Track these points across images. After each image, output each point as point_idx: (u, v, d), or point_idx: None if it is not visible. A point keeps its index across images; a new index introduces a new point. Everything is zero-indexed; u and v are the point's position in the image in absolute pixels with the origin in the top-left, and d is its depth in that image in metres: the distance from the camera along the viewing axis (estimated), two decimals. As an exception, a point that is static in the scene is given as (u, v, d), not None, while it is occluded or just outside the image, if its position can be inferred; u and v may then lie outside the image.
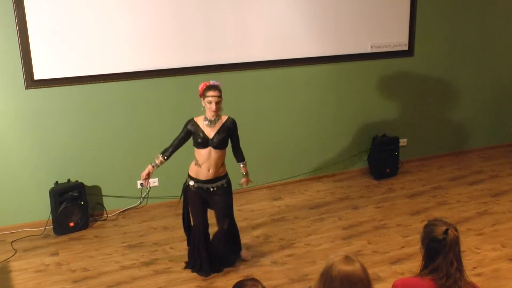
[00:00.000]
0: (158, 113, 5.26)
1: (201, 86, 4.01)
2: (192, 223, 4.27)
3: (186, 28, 5.14)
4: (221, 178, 4.11)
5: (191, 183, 4.11)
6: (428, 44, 6.19)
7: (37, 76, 4.76)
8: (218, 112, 3.98)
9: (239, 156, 4.23)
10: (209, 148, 4.01)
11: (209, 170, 4.04)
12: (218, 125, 4.02)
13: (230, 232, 4.25)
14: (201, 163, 4.04)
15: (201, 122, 4.04)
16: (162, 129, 5.31)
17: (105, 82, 5.00)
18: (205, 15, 5.17)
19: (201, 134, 4.00)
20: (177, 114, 5.31)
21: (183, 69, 5.21)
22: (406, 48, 6.10)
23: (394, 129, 6.26)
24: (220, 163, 4.09)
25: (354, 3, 5.72)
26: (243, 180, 4.29)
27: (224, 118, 4.07)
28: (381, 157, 6.00)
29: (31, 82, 4.76)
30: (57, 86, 4.85)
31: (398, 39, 6.04)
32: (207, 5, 5.15)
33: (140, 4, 4.95)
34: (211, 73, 5.13)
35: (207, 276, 4.17)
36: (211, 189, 4.09)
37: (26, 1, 4.58)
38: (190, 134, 4.07)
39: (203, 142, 4.00)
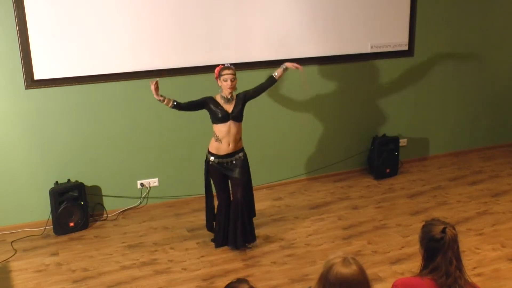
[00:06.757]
0: (158, 113, 5.26)
1: (217, 69, 4.33)
2: (216, 197, 4.56)
3: (186, 28, 5.14)
4: (239, 151, 4.41)
5: (212, 158, 4.39)
6: (428, 44, 6.19)
7: (37, 76, 4.76)
8: (233, 90, 4.29)
9: (267, 80, 4.51)
10: (229, 122, 4.30)
11: (229, 145, 4.33)
12: (233, 102, 4.35)
13: (246, 201, 4.47)
14: (222, 138, 4.31)
15: (219, 99, 4.33)
16: (162, 129, 5.32)
17: (105, 82, 5.00)
18: (205, 15, 5.17)
19: (221, 110, 4.28)
20: (177, 114, 5.31)
21: (183, 69, 5.22)
22: (406, 48, 6.10)
23: (394, 129, 6.26)
24: (239, 137, 4.39)
25: (354, 3, 5.72)
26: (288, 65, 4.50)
27: (235, 96, 4.40)
28: (381, 157, 6.00)
29: (31, 82, 4.76)
30: (57, 86, 4.86)
31: (398, 39, 6.04)
32: (207, 5, 5.16)
33: (140, 4, 4.95)
34: (211, 73, 5.13)
35: (237, 248, 4.48)
36: (230, 163, 4.37)
37: (26, 1, 4.59)
38: (204, 105, 4.32)
39: (223, 117, 4.28)
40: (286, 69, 4.50)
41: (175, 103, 4.28)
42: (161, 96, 4.23)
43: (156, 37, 5.06)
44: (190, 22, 5.14)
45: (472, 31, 6.39)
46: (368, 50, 5.91)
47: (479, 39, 6.45)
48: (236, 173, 4.39)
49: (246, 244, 4.53)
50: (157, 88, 4.19)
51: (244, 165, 4.43)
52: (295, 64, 4.52)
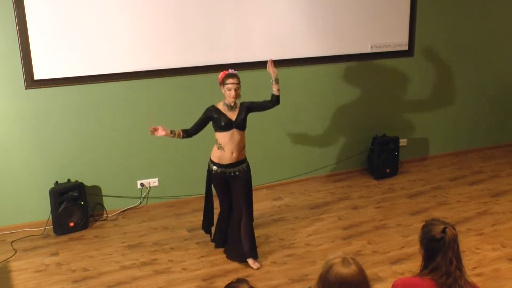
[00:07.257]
0: (158, 113, 5.26)
1: (221, 75, 4.23)
2: (218, 200, 4.49)
3: (186, 28, 5.14)
4: (242, 162, 4.31)
5: (214, 168, 4.29)
6: (428, 44, 6.19)
7: (37, 76, 4.76)
8: (237, 98, 4.21)
9: (271, 99, 4.35)
10: (232, 130, 4.20)
11: (232, 153, 4.23)
12: (237, 109, 4.26)
13: (247, 212, 4.36)
14: (224, 146, 4.21)
15: (221, 107, 4.24)
16: (162, 129, 5.31)
17: (105, 82, 5.00)
18: (205, 15, 5.17)
19: (224, 117, 4.19)
20: (177, 114, 5.32)
21: (183, 69, 5.22)
22: (406, 48, 6.10)
23: (394, 129, 6.26)
24: (242, 145, 4.29)
25: (354, 3, 5.72)
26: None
27: (239, 103, 4.31)
28: (381, 157, 6.00)
29: (31, 82, 4.76)
30: (57, 86, 4.86)
31: (398, 39, 6.04)
32: (207, 5, 5.16)
33: (140, 4, 4.95)
34: (211, 73, 5.14)
35: (241, 260, 4.35)
36: (233, 174, 4.27)
37: (26, 1, 4.59)
38: (209, 119, 4.25)
39: (226, 125, 4.19)
40: (276, 79, 4.31)
41: (184, 133, 4.23)
42: (171, 132, 4.18)
43: (156, 37, 5.06)
44: (190, 22, 5.14)
45: (472, 31, 6.39)
46: (368, 50, 5.91)
47: (479, 39, 6.45)
48: (239, 187, 4.28)
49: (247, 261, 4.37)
50: (158, 130, 4.12)
51: (248, 178, 4.34)
52: (268, 65, 4.31)
